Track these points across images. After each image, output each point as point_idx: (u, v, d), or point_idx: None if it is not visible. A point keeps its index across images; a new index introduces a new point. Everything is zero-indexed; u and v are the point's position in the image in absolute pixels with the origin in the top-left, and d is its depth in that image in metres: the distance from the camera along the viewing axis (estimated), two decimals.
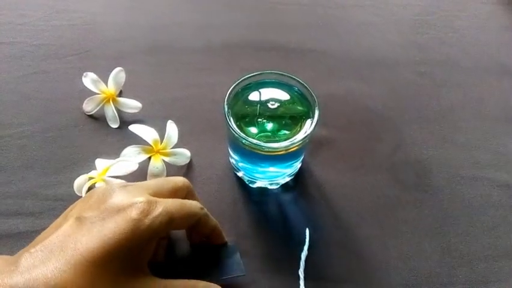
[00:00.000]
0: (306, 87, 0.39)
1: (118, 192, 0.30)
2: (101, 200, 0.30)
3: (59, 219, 0.31)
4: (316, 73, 0.55)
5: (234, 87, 0.39)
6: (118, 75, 0.49)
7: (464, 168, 0.48)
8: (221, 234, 0.38)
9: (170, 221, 0.30)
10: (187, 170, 0.46)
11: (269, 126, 0.38)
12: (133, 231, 0.28)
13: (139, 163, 0.43)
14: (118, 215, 0.28)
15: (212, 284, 0.33)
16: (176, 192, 0.34)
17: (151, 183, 0.34)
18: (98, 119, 0.49)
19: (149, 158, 0.44)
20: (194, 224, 0.34)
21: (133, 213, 0.28)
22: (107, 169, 0.42)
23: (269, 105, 0.39)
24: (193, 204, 0.33)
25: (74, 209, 0.31)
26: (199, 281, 0.32)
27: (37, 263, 0.26)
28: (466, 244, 0.42)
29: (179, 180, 0.36)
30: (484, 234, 0.43)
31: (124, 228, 0.28)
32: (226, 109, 0.38)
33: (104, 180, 0.41)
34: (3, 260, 0.27)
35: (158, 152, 0.44)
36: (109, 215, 0.28)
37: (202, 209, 0.34)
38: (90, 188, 0.41)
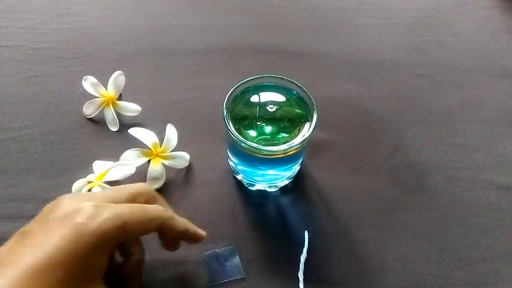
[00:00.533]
0: (304, 90, 0.39)
1: (66, 200, 0.29)
2: (47, 212, 0.29)
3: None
4: (316, 75, 0.56)
5: (233, 90, 0.39)
6: (117, 78, 0.49)
7: (463, 170, 0.48)
8: (195, 234, 0.35)
9: (123, 225, 0.28)
10: (186, 173, 0.46)
11: (268, 129, 0.39)
12: (76, 236, 0.26)
13: (139, 166, 0.43)
14: (62, 223, 0.27)
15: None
16: (134, 199, 0.32)
17: (108, 191, 0.33)
18: (98, 122, 0.49)
19: (149, 161, 0.44)
20: (158, 229, 0.32)
21: (77, 218, 0.27)
22: (105, 173, 0.42)
23: (268, 108, 0.39)
24: (152, 208, 0.32)
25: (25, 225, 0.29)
26: None
27: None
28: (465, 246, 0.42)
29: (138, 186, 0.34)
30: (482, 236, 0.43)
31: (66, 235, 0.26)
32: (225, 112, 0.38)
33: (100, 185, 0.41)
34: None
35: (157, 155, 0.44)
36: (54, 225, 0.27)
37: (163, 212, 0.32)
38: (89, 192, 0.42)
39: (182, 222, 0.34)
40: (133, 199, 0.32)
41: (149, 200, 0.34)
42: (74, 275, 0.26)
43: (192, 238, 0.35)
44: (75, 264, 0.26)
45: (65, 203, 0.29)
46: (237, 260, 0.38)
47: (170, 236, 0.34)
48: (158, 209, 0.32)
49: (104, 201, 0.30)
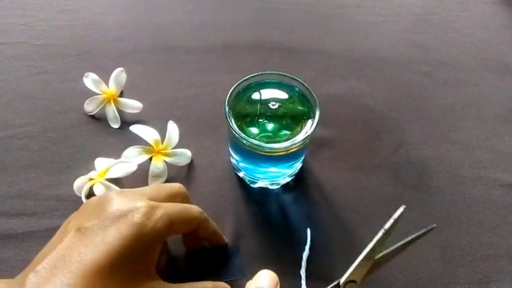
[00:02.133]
0: (307, 87, 0.39)
1: (117, 198, 0.30)
2: (100, 208, 0.30)
3: (57, 235, 0.30)
4: (317, 73, 0.56)
5: (235, 87, 0.39)
6: (119, 75, 0.49)
7: (465, 168, 0.48)
8: (221, 237, 0.38)
9: (171, 225, 0.30)
10: (188, 170, 0.46)
11: (270, 126, 0.38)
12: (137, 235, 0.28)
13: (141, 164, 0.43)
14: (119, 221, 0.28)
15: (220, 282, 0.33)
16: (172, 198, 0.34)
17: (146, 189, 0.34)
18: (99, 119, 0.49)
19: (151, 158, 0.44)
20: (194, 229, 0.34)
21: (135, 217, 0.28)
22: (107, 170, 0.42)
23: (270, 105, 0.39)
24: (193, 209, 0.33)
25: (72, 221, 0.30)
26: (206, 281, 0.32)
27: (42, 281, 0.25)
28: (467, 243, 0.42)
29: (175, 186, 0.35)
30: (485, 234, 0.43)
31: (127, 234, 0.27)
32: (227, 110, 0.38)
33: (102, 183, 0.41)
34: (5, 283, 0.27)
35: (159, 152, 0.44)
36: (111, 222, 0.28)
37: (202, 213, 0.34)
38: (90, 189, 0.41)
39: (214, 224, 0.36)
40: (171, 198, 0.34)
41: (184, 200, 0.36)
42: (136, 271, 0.28)
43: (217, 241, 0.38)
44: (136, 262, 0.28)
45: (117, 201, 0.30)
46: (238, 259, 0.38)
47: (202, 236, 0.36)
48: (198, 210, 0.34)
49: (148, 198, 0.31)
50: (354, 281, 0.31)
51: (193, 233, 0.34)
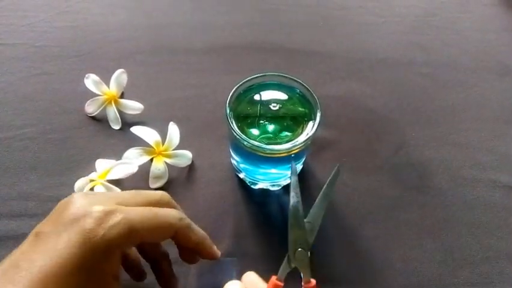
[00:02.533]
0: (307, 89, 0.39)
1: (77, 201, 0.28)
2: (60, 211, 0.28)
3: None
4: (318, 74, 0.56)
5: (236, 89, 0.39)
6: (119, 76, 0.49)
7: (466, 169, 0.48)
8: (210, 250, 0.34)
9: (131, 232, 0.27)
10: (188, 171, 0.46)
11: (271, 127, 0.38)
12: (85, 243, 0.26)
13: (141, 165, 0.43)
14: (72, 227, 0.26)
15: None
16: (150, 205, 0.31)
17: (124, 193, 0.32)
18: (100, 120, 0.49)
19: (151, 159, 0.44)
20: (172, 236, 0.31)
21: (87, 223, 0.26)
22: (108, 172, 0.42)
23: (271, 106, 0.39)
24: (169, 215, 0.31)
25: (39, 223, 0.29)
26: None
27: None
28: (468, 245, 0.42)
29: (157, 193, 0.33)
30: (485, 236, 0.43)
31: (76, 241, 0.26)
32: (228, 111, 0.38)
33: (103, 184, 0.41)
34: None
35: (160, 153, 0.44)
36: (64, 228, 0.27)
37: (181, 219, 0.31)
38: (91, 190, 0.41)
39: (199, 234, 0.33)
40: (149, 205, 0.31)
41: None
42: (86, 280, 0.26)
43: (206, 254, 0.34)
44: (86, 270, 0.26)
45: (76, 204, 0.28)
46: (233, 276, 0.35)
47: (185, 246, 0.33)
48: (174, 216, 0.31)
49: (117, 203, 0.29)
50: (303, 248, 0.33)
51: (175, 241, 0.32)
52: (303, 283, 0.32)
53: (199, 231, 0.33)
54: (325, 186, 0.35)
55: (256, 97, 0.40)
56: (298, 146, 0.37)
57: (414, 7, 0.65)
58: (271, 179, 0.44)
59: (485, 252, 0.42)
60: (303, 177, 0.46)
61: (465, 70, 0.57)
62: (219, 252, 0.35)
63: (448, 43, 0.60)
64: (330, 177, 0.35)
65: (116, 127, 0.48)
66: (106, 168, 0.42)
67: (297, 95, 0.40)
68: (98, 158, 0.44)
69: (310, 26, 0.62)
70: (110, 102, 0.49)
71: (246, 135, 0.37)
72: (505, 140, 0.50)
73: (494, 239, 0.43)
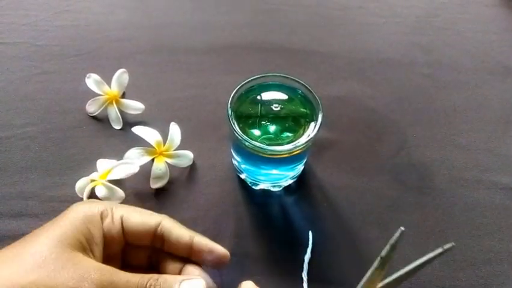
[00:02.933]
0: (310, 90, 0.39)
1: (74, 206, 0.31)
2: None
3: None
4: (319, 74, 0.55)
5: (238, 89, 0.39)
6: (121, 76, 0.49)
7: (467, 171, 0.48)
8: (211, 245, 0.32)
9: (107, 212, 0.31)
10: (190, 171, 0.46)
11: (272, 128, 0.38)
12: (63, 215, 0.30)
13: (142, 165, 0.43)
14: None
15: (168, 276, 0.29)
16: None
17: (124, 207, 0.33)
18: (101, 120, 0.49)
19: (153, 159, 0.44)
20: (156, 230, 0.31)
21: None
22: (109, 172, 0.42)
23: (272, 107, 0.39)
24: (150, 212, 0.32)
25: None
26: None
27: None
28: (469, 247, 0.42)
29: (160, 217, 0.33)
30: (486, 237, 0.43)
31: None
32: (229, 112, 0.38)
33: (104, 184, 0.41)
34: None
35: (161, 153, 0.44)
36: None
37: (165, 217, 0.32)
38: (92, 191, 0.41)
39: (187, 232, 0.32)
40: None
41: None
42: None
43: (211, 259, 0.32)
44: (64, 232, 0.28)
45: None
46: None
47: (173, 251, 0.32)
48: (157, 220, 0.32)
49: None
50: None
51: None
52: None
53: (187, 230, 0.32)
54: (384, 251, 0.29)
55: (258, 97, 0.40)
56: (299, 147, 0.37)
57: (415, 7, 0.65)
58: (273, 179, 0.44)
59: (486, 254, 0.42)
60: (304, 178, 0.46)
61: (466, 71, 0.57)
62: (225, 252, 0.33)
63: (449, 44, 0.60)
64: (391, 242, 0.29)
65: (118, 127, 0.48)
66: (107, 168, 0.42)
67: (299, 96, 0.40)
68: (99, 158, 0.44)
69: (311, 26, 0.62)
70: (111, 102, 0.48)
71: (247, 135, 0.37)
72: (506, 141, 0.50)
73: (495, 241, 0.43)
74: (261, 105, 0.40)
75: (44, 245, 0.27)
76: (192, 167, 0.46)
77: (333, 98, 0.53)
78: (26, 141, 0.47)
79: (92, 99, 0.49)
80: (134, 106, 0.48)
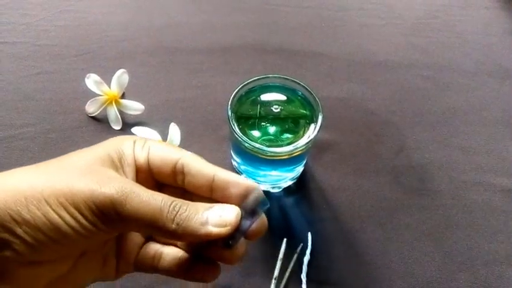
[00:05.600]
0: (310, 92, 0.39)
1: None
2: None
3: None
4: (318, 76, 0.55)
5: (238, 90, 0.39)
6: (121, 77, 0.49)
7: (466, 173, 0.48)
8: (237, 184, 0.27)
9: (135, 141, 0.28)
10: None
11: (272, 129, 0.38)
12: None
13: None
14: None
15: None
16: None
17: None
18: (100, 120, 0.49)
19: None
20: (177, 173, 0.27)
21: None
22: None
23: (272, 108, 0.39)
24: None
25: None
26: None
27: None
28: (468, 249, 0.42)
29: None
30: (485, 239, 0.43)
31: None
32: (229, 113, 0.38)
33: None
34: None
35: None
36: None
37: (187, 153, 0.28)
38: None
39: (209, 165, 0.28)
40: None
41: None
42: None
43: (237, 193, 0.26)
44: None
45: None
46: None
47: (195, 190, 0.28)
48: (184, 151, 0.28)
49: None
50: None
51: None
52: None
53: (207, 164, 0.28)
54: (276, 271, 0.27)
55: (258, 99, 0.40)
56: (299, 149, 0.37)
57: (415, 9, 0.65)
58: (272, 181, 0.44)
59: (484, 255, 0.42)
60: (303, 180, 0.46)
61: (466, 73, 0.57)
62: (253, 183, 0.27)
63: (449, 46, 0.60)
64: (280, 257, 0.27)
65: (117, 127, 0.48)
66: None
67: (299, 97, 0.40)
68: None
69: (311, 28, 0.62)
70: (111, 103, 0.48)
71: (247, 136, 0.37)
72: (505, 143, 0.50)
73: (494, 243, 0.43)
74: (261, 107, 0.40)
75: (76, 157, 0.25)
76: None
77: (333, 99, 0.53)
78: (25, 142, 0.47)
79: (91, 99, 0.49)
80: (134, 107, 0.48)
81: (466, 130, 0.51)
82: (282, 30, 0.61)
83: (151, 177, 0.28)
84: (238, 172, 0.45)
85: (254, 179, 0.44)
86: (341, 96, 0.54)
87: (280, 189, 0.45)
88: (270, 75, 0.40)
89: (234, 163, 0.45)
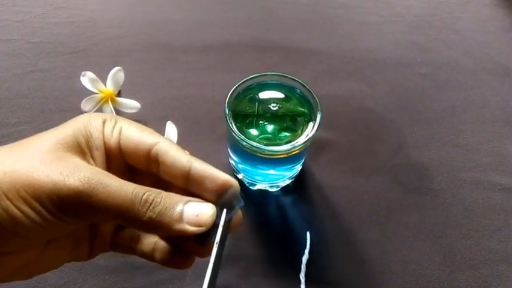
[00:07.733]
0: (309, 90, 0.39)
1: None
2: None
3: None
4: (317, 73, 0.55)
5: (235, 88, 0.38)
6: (116, 74, 0.48)
7: (466, 171, 0.47)
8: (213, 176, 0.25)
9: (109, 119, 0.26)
10: None
11: (270, 128, 0.38)
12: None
13: None
14: None
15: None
16: None
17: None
18: None
19: None
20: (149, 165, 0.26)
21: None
22: None
23: (270, 106, 0.39)
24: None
25: None
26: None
27: None
28: (467, 248, 0.42)
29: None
30: (485, 238, 0.43)
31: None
32: (227, 111, 0.37)
33: None
34: None
35: None
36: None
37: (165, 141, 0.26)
38: None
39: (185, 155, 0.26)
40: None
41: None
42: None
43: (213, 189, 0.25)
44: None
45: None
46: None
47: (169, 178, 0.26)
48: (160, 136, 0.27)
49: None
50: None
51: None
52: None
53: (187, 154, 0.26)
54: (217, 236, 0.24)
55: (256, 97, 0.39)
56: (298, 147, 0.36)
57: (414, 7, 0.65)
58: (270, 180, 0.43)
59: (484, 255, 0.42)
60: (302, 179, 0.46)
61: (465, 71, 0.57)
62: (231, 179, 0.26)
63: (448, 43, 0.60)
64: (221, 224, 0.25)
65: None
66: None
67: (297, 95, 0.40)
68: None
69: (310, 25, 0.61)
70: (106, 101, 0.48)
71: (244, 135, 0.36)
72: (504, 141, 0.50)
73: (494, 242, 0.43)
74: (258, 105, 0.39)
75: (41, 142, 0.24)
76: None
77: (331, 97, 0.52)
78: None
79: (87, 97, 0.48)
80: (130, 105, 0.48)
81: (465, 128, 0.51)
82: (280, 27, 0.60)
83: (122, 161, 0.26)
84: (236, 171, 0.44)
85: (252, 178, 0.43)
86: (339, 94, 0.53)
87: (279, 188, 0.44)
88: (268, 73, 0.39)
89: (232, 162, 0.44)
